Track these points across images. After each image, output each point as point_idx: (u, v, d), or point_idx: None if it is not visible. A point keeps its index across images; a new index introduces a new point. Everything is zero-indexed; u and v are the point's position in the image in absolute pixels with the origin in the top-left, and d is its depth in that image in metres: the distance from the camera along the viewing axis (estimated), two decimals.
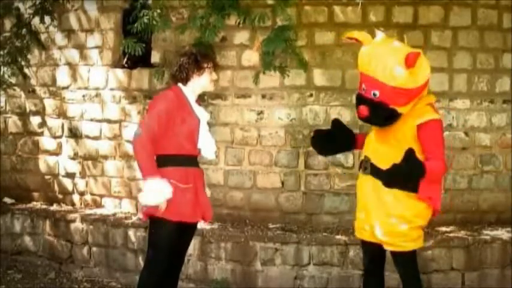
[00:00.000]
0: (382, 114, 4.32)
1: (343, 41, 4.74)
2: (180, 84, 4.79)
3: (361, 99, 4.39)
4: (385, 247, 4.47)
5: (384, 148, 4.41)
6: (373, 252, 4.60)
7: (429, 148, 4.30)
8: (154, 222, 4.72)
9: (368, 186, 4.47)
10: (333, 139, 4.76)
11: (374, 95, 4.29)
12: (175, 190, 4.62)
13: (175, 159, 4.66)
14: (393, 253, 4.50)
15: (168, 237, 4.67)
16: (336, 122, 4.83)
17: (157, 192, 4.55)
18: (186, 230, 4.80)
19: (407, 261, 4.50)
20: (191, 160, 4.77)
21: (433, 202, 4.41)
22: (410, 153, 4.20)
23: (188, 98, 4.77)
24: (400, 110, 4.30)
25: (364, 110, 4.33)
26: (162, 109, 4.66)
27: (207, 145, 4.84)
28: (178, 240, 4.75)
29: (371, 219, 4.45)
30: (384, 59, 4.28)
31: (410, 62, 4.19)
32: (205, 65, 4.79)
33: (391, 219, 4.37)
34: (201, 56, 4.80)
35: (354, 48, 4.87)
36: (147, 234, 4.90)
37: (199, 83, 4.79)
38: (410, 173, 4.23)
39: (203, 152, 4.85)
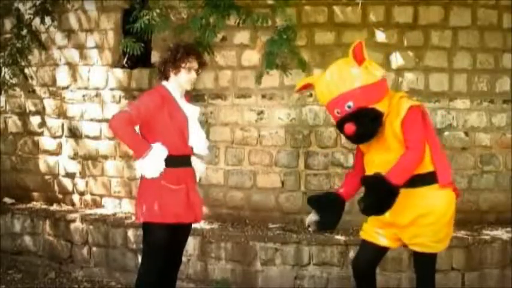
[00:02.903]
0: (367, 118, 4.30)
1: (296, 92, 4.83)
2: (164, 82, 4.78)
3: (341, 122, 4.36)
4: (413, 247, 4.40)
5: (385, 157, 4.35)
6: (376, 255, 4.58)
7: (406, 137, 4.30)
8: (148, 224, 4.72)
9: None
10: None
11: (349, 107, 4.30)
12: (167, 192, 4.62)
13: (167, 160, 4.62)
14: (415, 253, 4.44)
15: (162, 238, 4.66)
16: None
17: (155, 160, 4.55)
18: (181, 230, 4.79)
19: (427, 262, 4.44)
20: (183, 160, 4.71)
21: (454, 186, 4.42)
22: (367, 183, 4.23)
23: (173, 95, 4.73)
24: (379, 107, 4.31)
25: (350, 126, 4.30)
26: (143, 101, 4.66)
27: (198, 141, 4.78)
28: (173, 240, 4.73)
29: (395, 225, 4.38)
30: (336, 74, 4.38)
31: (358, 56, 4.29)
32: (183, 65, 4.68)
33: (424, 219, 4.31)
34: (181, 55, 4.69)
35: None
36: (142, 234, 4.90)
37: (177, 80, 4.73)
38: (381, 199, 4.20)
39: (196, 149, 4.78)
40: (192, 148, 4.77)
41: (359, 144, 4.55)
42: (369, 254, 4.59)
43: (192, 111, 4.80)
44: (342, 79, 4.33)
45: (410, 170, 4.28)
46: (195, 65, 4.74)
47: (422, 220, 4.31)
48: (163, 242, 4.66)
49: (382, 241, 4.49)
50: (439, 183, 4.35)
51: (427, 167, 4.35)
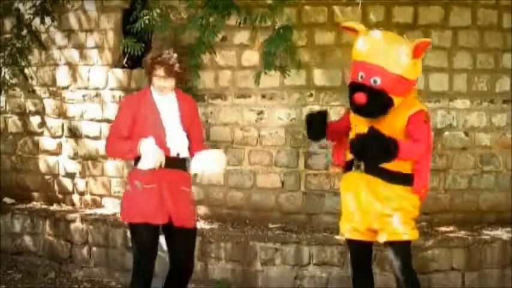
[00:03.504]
0: (380, 102, 4.30)
1: (339, 28, 4.76)
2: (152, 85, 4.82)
3: (357, 87, 4.34)
4: (385, 238, 4.47)
5: None
6: (363, 251, 4.64)
7: (414, 134, 4.33)
8: (129, 225, 4.77)
9: (362, 184, 4.47)
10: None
11: (374, 82, 4.28)
12: (138, 191, 4.61)
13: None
14: (392, 244, 4.49)
15: (139, 238, 4.66)
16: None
17: (150, 152, 4.54)
18: (181, 233, 4.75)
19: (405, 252, 4.50)
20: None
21: (424, 193, 4.52)
22: (371, 128, 4.29)
23: (154, 97, 4.73)
24: (396, 100, 4.32)
25: (361, 97, 4.29)
26: (117, 115, 4.82)
27: (177, 142, 4.70)
28: (171, 243, 4.74)
29: (369, 215, 4.47)
30: (389, 47, 4.33)
31: (419, 51, 4.26)
32: (154, 71, 4.68)
33: (391, 211, 4.42)
34: (152, 61, 4.70)
35: None
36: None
37: (154, 84, 4.75)
38: (372, 144, 4.25)
39: (173, 151, 4.66)
40: (170, 150, 4.66)
41: (354, 115, 4.54)
42: (357, 251, 4.65)
43: (170, 111, 4.73)
44: (388, 55, 4.29)
45: (412, 155, 4.35)
46: (161, 72, 4.67)
47: (392, 212, 4.41)
48: (142, 240, 4.66)
49: (360, 236, 4.57)
50: (412, 187, 4.43)
51: (409, 168, 4.42)
